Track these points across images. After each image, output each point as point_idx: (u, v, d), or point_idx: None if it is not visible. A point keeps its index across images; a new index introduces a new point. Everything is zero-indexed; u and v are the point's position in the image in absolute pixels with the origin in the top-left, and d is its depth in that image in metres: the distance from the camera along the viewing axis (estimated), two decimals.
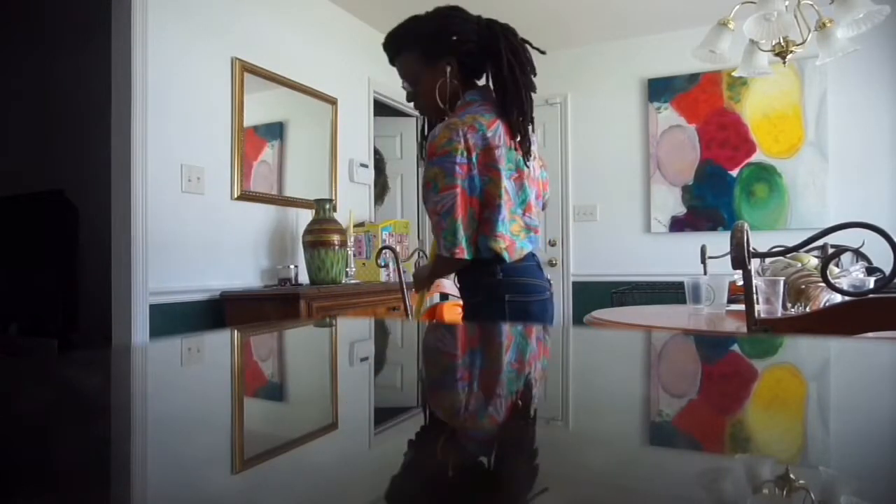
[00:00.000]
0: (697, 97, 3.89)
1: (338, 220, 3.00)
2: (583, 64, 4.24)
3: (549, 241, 4.28)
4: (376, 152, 4.07)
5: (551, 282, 1.59)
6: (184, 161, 2.53)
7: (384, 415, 0.41)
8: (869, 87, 3.52)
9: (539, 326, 1.20)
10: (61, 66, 3.72)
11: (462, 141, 1.37)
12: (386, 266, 3.28)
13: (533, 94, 1.48)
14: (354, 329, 0.91)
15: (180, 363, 0.62)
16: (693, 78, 3.89)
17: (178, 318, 2.47)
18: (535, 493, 0.24)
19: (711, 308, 1.98)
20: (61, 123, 3.71)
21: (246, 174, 2.82)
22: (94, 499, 0.24)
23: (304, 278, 2.99)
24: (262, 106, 2.93)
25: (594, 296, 4.03)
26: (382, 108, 4.03)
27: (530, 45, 1.49)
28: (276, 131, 3.04)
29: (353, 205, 3.47)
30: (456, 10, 1.51)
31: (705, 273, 2.18)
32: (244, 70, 2.81)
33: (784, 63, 2.33)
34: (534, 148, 1.52)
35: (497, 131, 1.41)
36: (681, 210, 3.94)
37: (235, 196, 2.76)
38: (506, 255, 1.42)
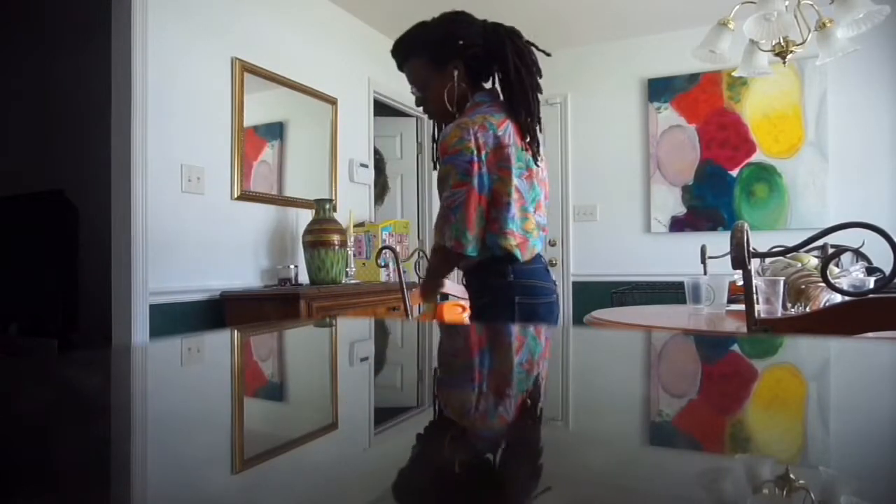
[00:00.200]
0: (697, 97, 3.89)
1: (338, 220, 3.00)
2: (583, 64, 4.24)
3: (550, 241, 4.28)
4: (376, 152, 4.07)
5: (556, 283, 1.60)
6: (184, 161, 2.53)
7: (384, 415, 0.41)
8: (869, 87, 3.52)
9: (543, 327, 1.20)
10: (61, 66, 3.72)
11: (472, 139, 1.39)
12: (386, 266, 3.28)
13: (540, 95, 1.50)
14: (354, 329, 0.91)
15: (180, 363, 0.62)
16: (693, 78, 3.89)
17: (178, 318, 2.47)
18: (535, 494, 0.24)
19: (711, 308, 1.98)
20: (61, 123, 3.71)
21: (246, 174, 2.82)
22: (94, 499, 0.24)
23: (304, 278, 3.00)
24: (262, 106, 2.93)
25: (594, 296, 4.03)
26: (382, 108, 4.03)
27: (535, 47, 1.51)
28: (276, 131, 3.04)
29: (353, 205, 3.47)
30: (462, 15, 1.53)
31: (705, 273, 2.18)
32: (244, 70, 2.81)
33: (784, 63, 2.33)
34: (542, 149, 1.54)
35: (507, 130, 1.43)
36: (681, 210, 3.94)
37: (235, 196, 2.77)
38: (518, 253, 1.43)
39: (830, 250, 1.86)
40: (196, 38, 2.61)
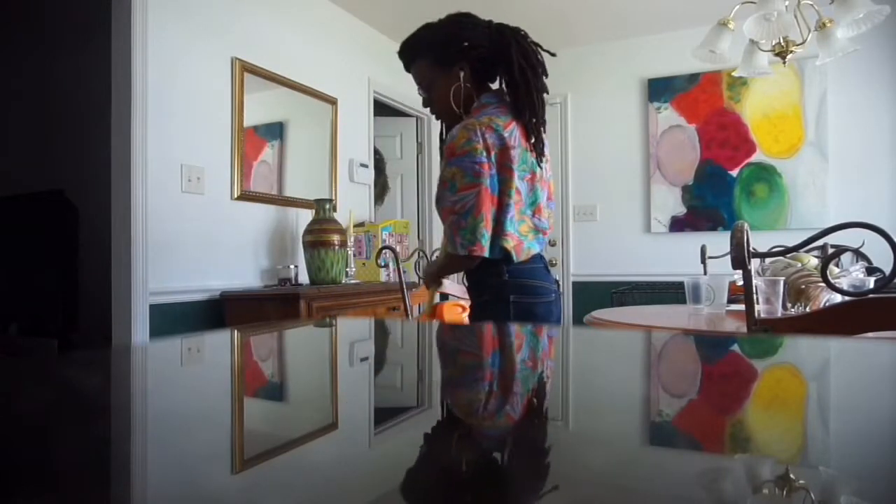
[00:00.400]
0: (697, 97, 3.89)
1: (338, 220, 3.00)
2: (583, 64, 4.24)
3: (550, 242, 4.28)
4: (376, 152, 4.07)
5: (559, 283, 1.59)
6: (184, 161, 2.53)
7: (384, 415, 0.41)
8: (869, 87, 3.52)
9: (540, 326, 1.20)
10: (61, 66, 3.72)
11: (481, 140, 1.39)
12: (386, 266, 3.28)
13: (545, 96, 1.50)
14: (354, 329, 0.91)
15: (180, 363, 0.62)
16: (693, 78, 3.89)
17: (178, 318, 2.47)
18: (535, 494, 0.24)
19: (711, 308, 1.98)
20: (61, 123, 3.71)
21: (246, 174, 2.82)
22: (94, 499, 0.24)
23: (304, 278, 3.00)
24: (262, 106, 2.93)
25: (594, 296, 4.03)
26: (382, 108, 4.03)
27: (541, 47, 1.51)
28: (276, 131, 3.04)
29: (353, 205, 3.47)
30: (467, 17, 1.53)
31: (705, 273, 2.18)
32: (244, 70, 2.81)
33: (784, 63, 2.33)
34: (546, 150, 1.54)
35: (513, 132, 1.43)
36: (681, 210, 3.94)
37: (235, 196, 2.77)
38: (513, 255, 1.43)
39: (830, 250, 1.86)
40: (196, 38, 2.61)
